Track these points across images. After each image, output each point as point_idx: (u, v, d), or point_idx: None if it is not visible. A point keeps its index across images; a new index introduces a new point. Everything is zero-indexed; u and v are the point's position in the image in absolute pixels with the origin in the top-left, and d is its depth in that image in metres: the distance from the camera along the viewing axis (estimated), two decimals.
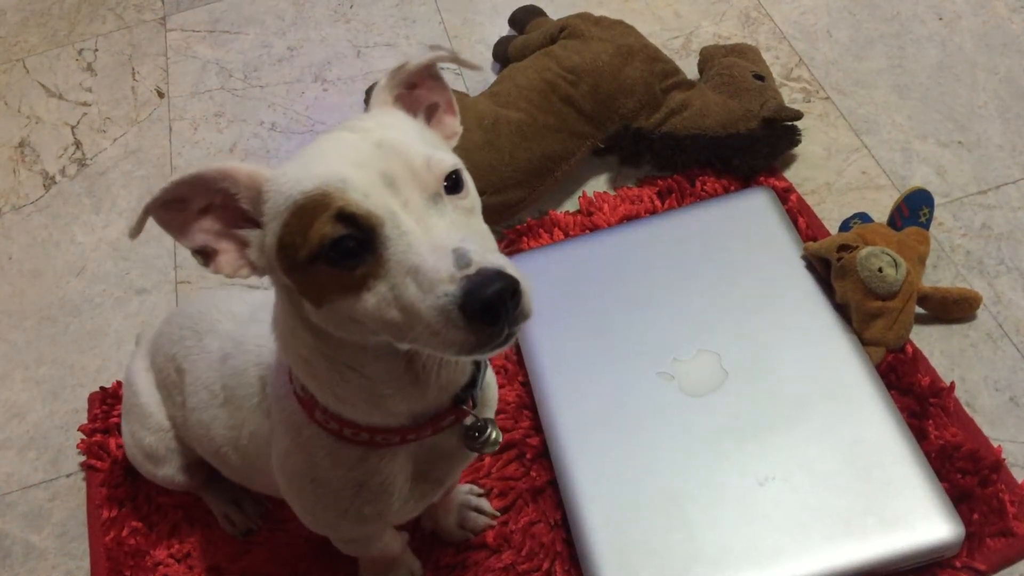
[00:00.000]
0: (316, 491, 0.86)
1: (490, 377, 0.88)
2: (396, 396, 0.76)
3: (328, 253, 0.63)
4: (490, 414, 0.88)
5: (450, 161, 0.67)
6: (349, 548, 1.03)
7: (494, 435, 0.84)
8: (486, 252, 0.63)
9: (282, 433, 0.86)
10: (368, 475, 0.83)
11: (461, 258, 0.61)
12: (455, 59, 0.78)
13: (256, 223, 0.69)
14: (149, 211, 0.68)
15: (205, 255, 0.71)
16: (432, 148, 0.68)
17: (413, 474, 0.86)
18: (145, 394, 1.12)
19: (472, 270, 0.61)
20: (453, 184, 0.67)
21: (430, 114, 0.80)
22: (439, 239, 0.63)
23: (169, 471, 1.14)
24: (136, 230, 0.68)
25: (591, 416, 1.18)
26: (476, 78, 1.74)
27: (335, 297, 0.65)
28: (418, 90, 0.79)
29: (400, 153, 0.66)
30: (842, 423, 1.13)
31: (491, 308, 0.60)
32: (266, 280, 0.72)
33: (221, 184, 0.68)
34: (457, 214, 0.67)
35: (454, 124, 0.80)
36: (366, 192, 0.63)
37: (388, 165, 0.65)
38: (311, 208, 0.64)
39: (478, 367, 0.82)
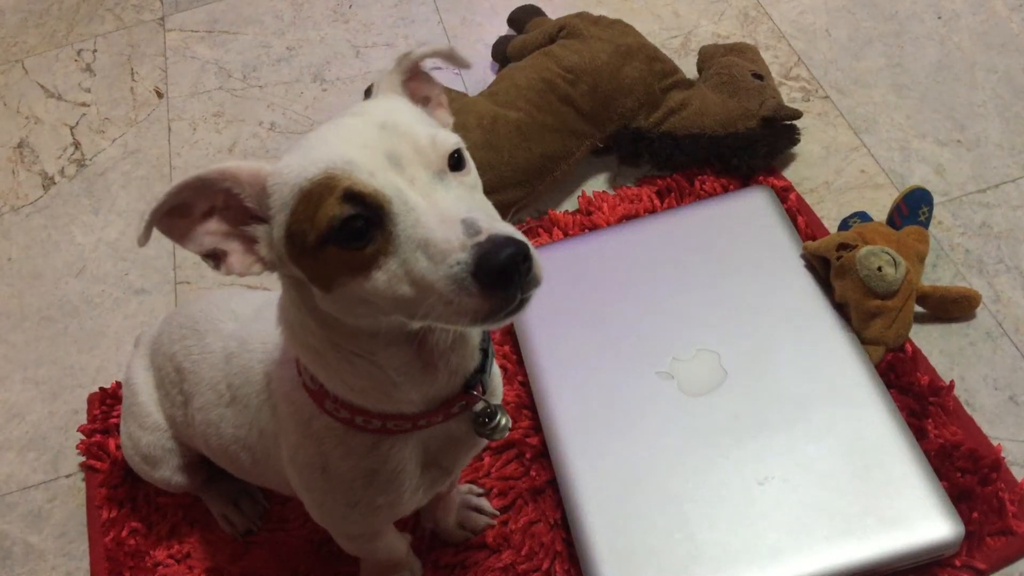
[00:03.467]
0: (327, 482, 0.86)
1: (495, 366, 0.89)
2: (407, 383, 0.77)
3: (337, 234, 0.64)
4: (497, 401, 0.89)
5: (453, 140, 0.69)
6: (354, 547, 1.03)
7: (503, 421, 0.84)
8: (494, 221, 0.64)
9: (291, 427, 0.86)
10: (380, 463, 0.83)
11: (470, 227, 0.62)
12: (451, 54, 0.81)
13: (262, 219, 0.69)
14: (155, 218, 0.67)
15: (215, 258, 0.71)
16: (435, 128, 0.70)
17: (423, 462, 0.86)
18: (144, 393, 1.12)
19: (482, 237, 0.61)
20: (455, 162, 0.69)
21: (422, 106, 0.81)
22: (447, 211, 0.64)
23: (166, 472, 1.14)
24: (144, 238, 0.67)
25: (590, 416, 1.18)
26: (475, 78, 1.74)
27: (345, 279, 0.66)
28: (411, 83, 0.81)
29: (404, 133, 0.67)
30: (841, 422, 1.13)
31: (504, 272, 0.61)
32: (266, 280, 0.73)
33: (223, 185, 0.68)
34: (462, 189, 0.68)
35: (445, 117, 0.83)
36: (372, 171, 0.64)
37: (393, 144, 0.66)
38: (318, 192, 0.64)
39: (485, 353, 0.83)
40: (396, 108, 0.72)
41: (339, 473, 0.85)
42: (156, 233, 0.69)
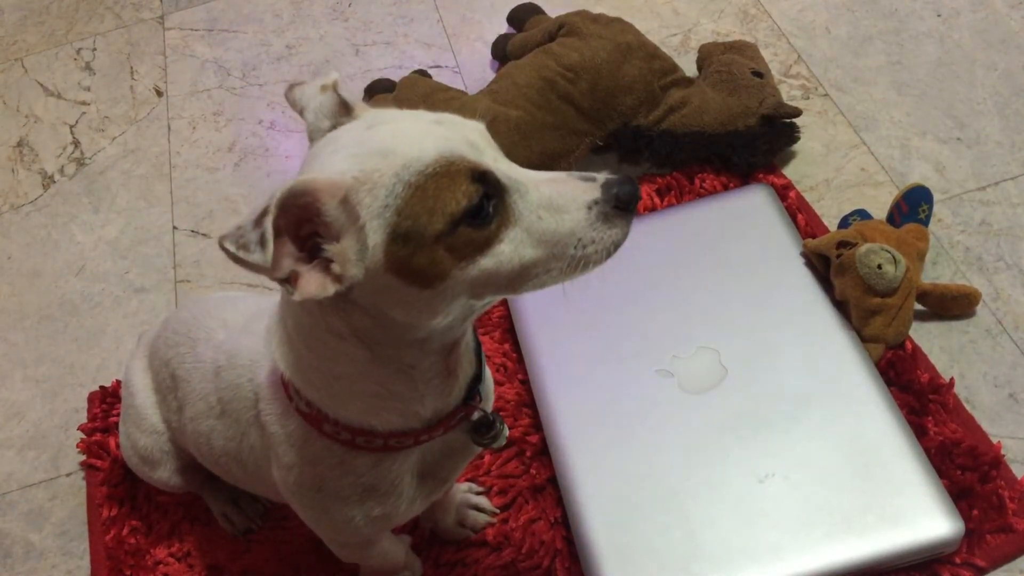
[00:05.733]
0: (323, 500, 0.85)
1: (487, 372, 0.89)
2: (431, 394, 0.77)
3: (471, 214, 0.65)
4: (489, 408, 0.89)
5: (483, 124, 0.72)
6: (347, 553, 1.02)
7: (501, 429, 0.85)
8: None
9: (284, 448, 0.85)
10: (378, 479, 0.83)
11: (583, 176, 0.69)
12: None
13: (329, 237, 0.65)
14: (275, 238, 0.60)
15: (289, 280, 0.65)
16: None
17: (419, 473, 0.86)
18: (141, 395, 1.11)
19: (602, 179, 0.69)
20: None
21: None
22: (544, 175, 0.69)
23: (164, 474, 1.13)
24: (272, 259, 0.61)
25: (591, 414, 1.18)
26: (475, 76, 1.74)
27: (464, 263, 0.66)
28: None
29: (460, 123, 0.69)
30: (841, 420, 1.13)
31: (637, 197, 0.70)
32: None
33: (302, 201, 0.62)
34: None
35: None
36: (475, 156, 0.66)
37: (464, 134, 0.67)
38: (435, 183, 0.64)
39: (480, 360, 0.83)
40: (420, 110, 0.71)
41: (336, 491, 0.84)
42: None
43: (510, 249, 0.67)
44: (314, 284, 0.64)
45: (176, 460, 1.13)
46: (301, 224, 0.64)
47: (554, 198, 0.68)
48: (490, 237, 0.66)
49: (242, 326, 0.94)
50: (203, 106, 1.81)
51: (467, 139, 0.67)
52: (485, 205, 0.65)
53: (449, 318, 0.70)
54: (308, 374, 0.77)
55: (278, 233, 0.61)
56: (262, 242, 0.60)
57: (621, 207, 0.69)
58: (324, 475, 0.83)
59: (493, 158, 0.68)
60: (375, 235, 0.64)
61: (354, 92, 1.76)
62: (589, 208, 0.68)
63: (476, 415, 0.83)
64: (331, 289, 0.65)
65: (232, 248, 0.60)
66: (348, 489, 0.83)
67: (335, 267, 0.65)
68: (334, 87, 0.74)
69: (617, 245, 0.70)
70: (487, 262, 0.66)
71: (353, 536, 0.94)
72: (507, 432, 0.86)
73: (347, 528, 0.88)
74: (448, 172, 0.64)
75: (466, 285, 0.67)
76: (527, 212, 0.67)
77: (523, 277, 0.69)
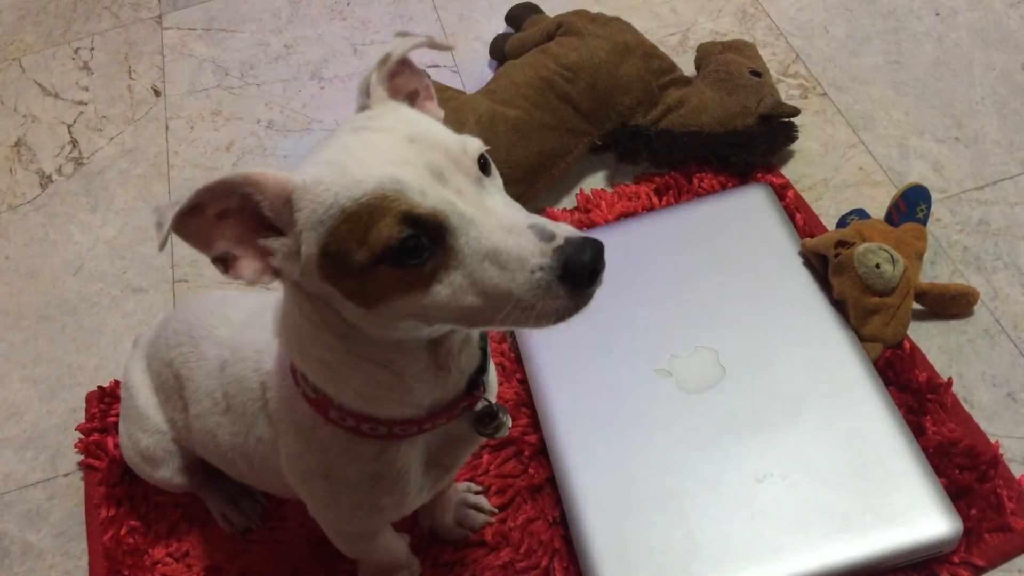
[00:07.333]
0: (331, 488, 0.86)
1: (491, 364, 0.89)
2: (422, 387, 0.77)
3: (394, 254, 0.62)
4: (493, 398, 0.89)
5: (478, 144, 0.68)
6: (351, 546, 1.03)
7: (504, 419, 0.85)
8: (555, 222, 0.64)
9: (292, 435, 0.85)
10: (385, 467, 0.83)
11: (543, 232, 0.62)
12: (431, 42, 0.77)
13: (278, 231, 0.67)
14: (176, 222, 0.63)
15: (224, 262, 0.67)
16: (456, 134, 0.68)
17: (425, 461, 0.86)
18: (142, 396, 1.11)
19: (561, 241, 0.62)
20: (483, 166, 0.68)
21: (411, 101, 0.78)
22: (507, 220, 0.64)
23: (167, 473, 1.14)
24: (164, 243, 0.64)
25: (589, 413, 1.18)
26: (473, 76, 1.74)
27: (397, 295, 0.64)
28: (397, 79, 0.77)
29: (435, 144, 0.65)
30: (840, 419, 1.13)
31: (593, 272, 0.62)
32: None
33: (244, 189, 0.65)
34: (500, 193, 0.67)
35: (435, 110, 0.79)
36: (423, 190, 0.63)
37: (430, 157, 0.64)
38: (367, 213, 0.62)
39: (485, 352, 0.83)
40: (413, 119, 0.70)
41: (343, 479, 0.84)
42: (154, 232, 0.68)
43: (447, 292, 0.64)
44: (248, 270, 0.67)
45: (179, 459, 1.13)
46: (249, 212, 0.66)
47: (501, 252, 0.63)
48: (426, 276, 0.64)
49: (245, 321, 0.95)
50: (201, 105, 1.81)
51: (431, 164, 0.64)
52: (422, 245, 0.63)
53: (399, 333, 0.69)
54: (308, 361, 0.78)
55: (224, 215, 0.65)
56: (161, 225, 0.63)
57: (568, 279, 0.62)
58: (331, 462, 0.83)
59: (457, 188, 0.64)
60: (309, 246, 0.65)
61: (351, 91, 1.76)
62: (533, 272, 0.62)
63: (480, 405, 0.83)
64: (266, 279, 0.67)
65: (154, 221, 0.64)
66: (355, 477, 0.84)
67: (273, 260, 0.67)
68: (383, 61, 0.74)
69: (561, 316, 0.64)
70: (423, 299, 0.65)
71: (361, 525, 0.94)
72: (510, 423, 0.86)
73: (355, 517, 0.88)
74: (381, 207, 0.62)
75: (405, 314, 0.66)
76: (471, 258, 0.63)
77: (467, 319, 0.66)
